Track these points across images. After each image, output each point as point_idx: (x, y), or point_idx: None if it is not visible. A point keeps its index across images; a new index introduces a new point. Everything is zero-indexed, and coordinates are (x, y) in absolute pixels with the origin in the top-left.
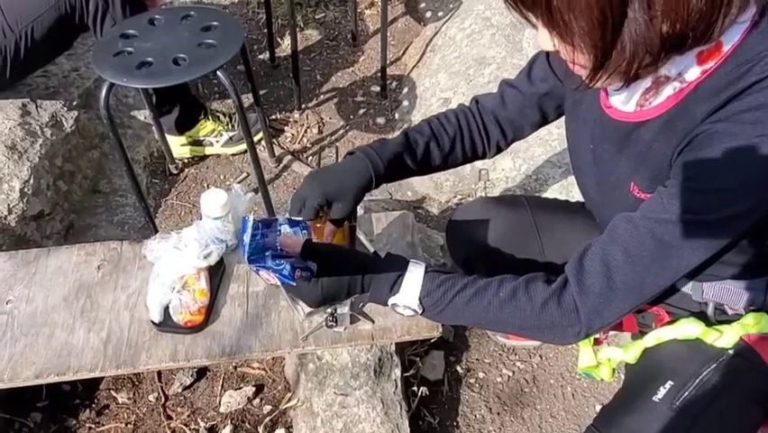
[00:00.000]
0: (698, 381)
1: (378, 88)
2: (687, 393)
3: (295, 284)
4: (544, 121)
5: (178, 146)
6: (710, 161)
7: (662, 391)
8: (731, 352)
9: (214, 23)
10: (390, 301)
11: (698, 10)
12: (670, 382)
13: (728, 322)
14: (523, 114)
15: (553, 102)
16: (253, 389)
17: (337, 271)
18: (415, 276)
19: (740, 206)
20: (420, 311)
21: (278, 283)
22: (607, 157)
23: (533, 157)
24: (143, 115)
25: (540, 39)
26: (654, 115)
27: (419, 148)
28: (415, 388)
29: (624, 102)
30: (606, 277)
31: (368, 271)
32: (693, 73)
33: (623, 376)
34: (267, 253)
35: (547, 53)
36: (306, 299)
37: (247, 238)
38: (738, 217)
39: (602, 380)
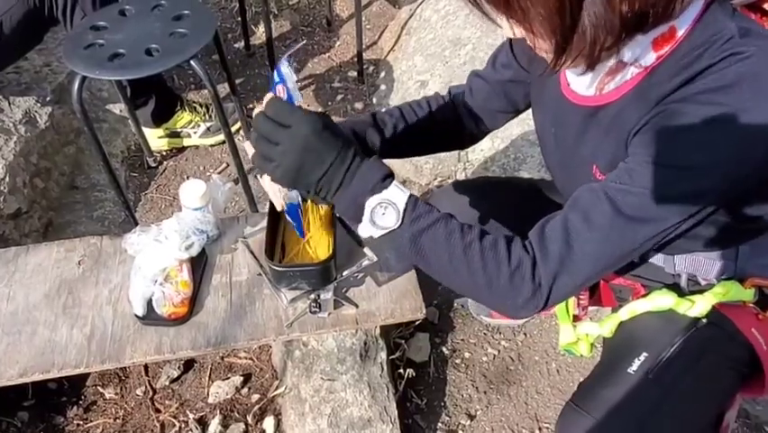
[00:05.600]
0: (671, 351)
1: (355, 73)
2: (661, 364)
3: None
4: (515, 109)
5: (156, 139)
6: (666, 138)
7: (636, 363)
8: (704, 321)
9: (186, 12)
10: (374, 198)
11: None
12: (644, 354)
13: (701, 292)
14: (490, 103)
15: (519, 89)
16: (241, 378)
17: (335, 126)
18: (402, 187)
19: (696, 184)
20: (398, 223)
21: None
22: (569, 141)
23: (510, 136)
24: (119, 108)
25: (503, 28)
26: (613, 98)
27: (387, 127)
28: (401, 370)
29: (583, 86)
30: (565, 242)
31: (357, 155)
32: (649, 58)
33: None
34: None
35: (510, 41)
36: (296, 131)
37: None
38: (694, 195)
39: (582, 355)
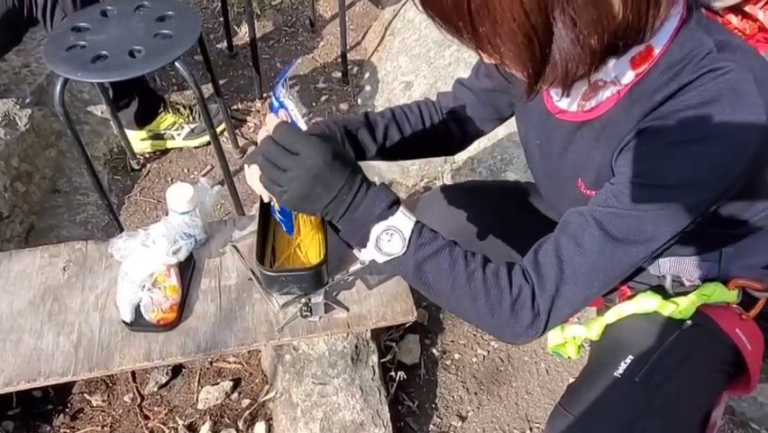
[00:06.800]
0: (657, 353)
1: (339, 74)
2: (647, 366)
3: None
4: (501, 117)
5: (139, 141)
6: (650, 157)
7: (622, 366)
8: (689, 322)
9: (170, 13)
10: (380, 225)
11: (623, 18)
12: (630, 357)
13: (686, 294)
14: (476, 110)
15: (504, 98)
16: (231, 383)
17: (343, 153)
18: (409, 214)
19: (682, 201)
20: (404, 250)
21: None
22: (554, 154)
23: (496, 137)
24: (100, 110)
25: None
26: (595, 115)
27: (378, 128)
28: (392, 373)
29: (566, 102)
30: (559, 269)
31: (364, 182)
32: (628, 76)
33: None
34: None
35: None
36: (306, 160)
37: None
38: (681, 212)
39: (569, 357)
